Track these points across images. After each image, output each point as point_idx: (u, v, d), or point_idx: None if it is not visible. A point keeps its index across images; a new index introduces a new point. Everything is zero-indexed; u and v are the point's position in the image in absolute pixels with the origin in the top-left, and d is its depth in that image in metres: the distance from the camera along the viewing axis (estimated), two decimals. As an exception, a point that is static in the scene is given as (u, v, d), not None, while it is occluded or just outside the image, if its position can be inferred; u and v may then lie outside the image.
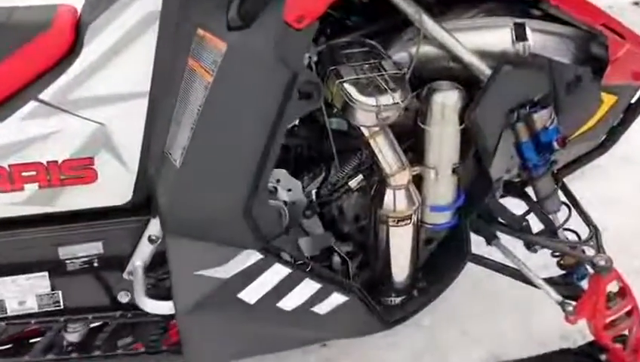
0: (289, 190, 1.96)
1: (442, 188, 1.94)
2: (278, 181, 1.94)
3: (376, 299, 1.98)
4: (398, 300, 2.05)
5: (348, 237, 2.09)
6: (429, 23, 1.83)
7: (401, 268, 2.02)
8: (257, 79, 1.61)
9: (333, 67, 1.74)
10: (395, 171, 1.85)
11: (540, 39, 1.90)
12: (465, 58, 1.90)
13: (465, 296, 2.49)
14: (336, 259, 1.97)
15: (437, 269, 2.13)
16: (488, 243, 2.21)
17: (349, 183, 1.99)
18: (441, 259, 2.13)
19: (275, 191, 1.94)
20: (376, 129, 1.80)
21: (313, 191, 2.03)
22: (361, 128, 1.81)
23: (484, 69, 1.89)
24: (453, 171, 1.91)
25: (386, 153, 1.84)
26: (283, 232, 1.75)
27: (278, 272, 1.71)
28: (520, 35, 1.93)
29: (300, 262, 1.78)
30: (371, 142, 1.82)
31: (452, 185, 1.94)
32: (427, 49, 1.92)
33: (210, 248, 1.66)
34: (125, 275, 1.88)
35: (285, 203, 1.96)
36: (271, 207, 1.75)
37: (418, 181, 1.94)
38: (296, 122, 1.92)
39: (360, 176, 1.98)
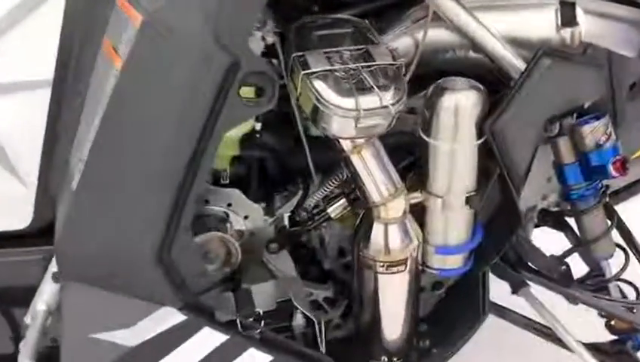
0: (245, 217, 1.47)
1: (452, 224, 1.43)
2: (229, 205, 1.45)
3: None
4: (390, 365, 1.55)
5: (329, 279, 1.60)
6: None
7: (393, 324, 1.51)
8: (182, 67, 1.13)
9: (299, 53, 1.24)
10: (385, 199, 1.34)
11: (596, 24, 1.46)
12: (490, 47, 1.39)
13: (481, 351, 1.96)
14: (300, 316, 1.46)
15: (445, 323, 1.63)
16: (514, 291, 1.69)
17: (328, 210, 1.49)
18: (450, 311, 1.63)
19: (226, 218, 1.45)
20: (360, 142, 1.30)
21: (286, 218, 1.54)
22: (340, 141, 1.30)
23: (515, 62, 1.37)
24: (468, 201, 1.39)
25: (374, 175, 1.33)
26: (217, 283, 1.25)
27: (208, 339, 1.23)
28: (568, 17, 1.43)
29: (246, 323, 1.28)
30: (353, 159, 1.32)
31: (465, 219, 1.43)
32: (438, 34, 1.41)
33: (114, 302, 1.19)
34: (27, 319, 1.42)
35: (241, 234, 1.47)
36: (198, 246, 1.25)
37: (420, 212, 1.43)
38: (258, 126, 1.43)
39: (342, 201, 1.48)
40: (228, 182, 1.47)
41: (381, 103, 1.20)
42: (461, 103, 1.32)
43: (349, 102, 1.19)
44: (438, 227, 1.43)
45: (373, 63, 1.25)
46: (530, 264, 1.61)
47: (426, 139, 1.35)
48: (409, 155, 1.48)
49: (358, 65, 1.24)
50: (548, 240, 1.79)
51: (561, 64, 1.33)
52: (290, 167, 1.53)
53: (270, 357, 1.27)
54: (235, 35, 1.12)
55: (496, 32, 1.41)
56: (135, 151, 1.14)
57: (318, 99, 1.20)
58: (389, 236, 1.38)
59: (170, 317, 1.20)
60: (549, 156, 1.52)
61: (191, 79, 1.13)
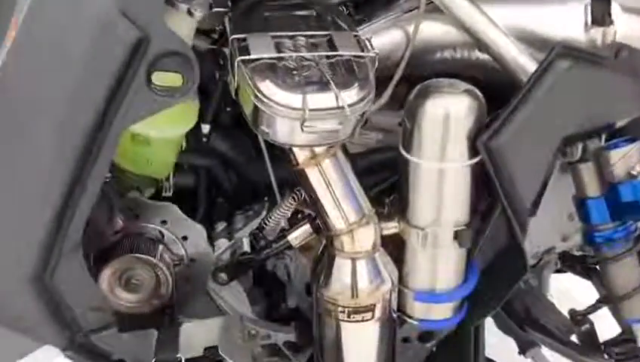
0: (184, 238, 1.20)
1: (437, 264, 1.14)
2: (163, 223, 1.19)
3: None
4: None
5: (294, 320, 1.32)
6: None
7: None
8: (79, 38, 0.88)
9: (239, 36, 0.97)
10: (349, 227, 1.06)
11: (634, 24, 1.15)
12: (499, 46, 1.12)
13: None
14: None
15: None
16: (521, 351, 1.37)
17: (289, 237, 1.21)
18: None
19: (161, 238, 1.19)
20: (317, 151, 1.02)
21: (246, 243, 1.28)
22: (293, 150, 1.03)
23: (530, 67, 1.08)
24: (457, 237, 1.09)
25: (336, 195, 1.06)
26: (116, 321, 0.98)
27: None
28: (600, 14, 1.14)
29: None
30: (309, 174, 1.04)
31: (454, 259, 1.14)
32: (434, 28, 1.14)
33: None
34: None
35: (180, 260, 1.21)
36: (85, 271, 0.98)
37: (397, 246, 1.14)
38: (206, 129, 1.18)
39: (306, 228, 1.20)
40: (170, 195, 1.22)
41: (337, 103, 0.93)
42: (450, 110, 1.03)
43: (293, 99, 0.92)
44: (419, 267, 1.14)
45: (335, 54, 0.98)
46: (540, 321, 1.29)
47: (407, 156, 1.07)
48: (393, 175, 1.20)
49: (314, 54, 0.97)
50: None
51: (585, 68, 1.04)
52: (252, 181, 1.26)
53: None
54: (143, 3, 0.86)
55: (506, 28, 1.12)
56: (14, 144, 0.89)
57: (255, 94, 0.93)
58: (353, 274, 1.10)
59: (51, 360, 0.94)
60: (570, 187, 1.21)
61: (89, 55, 0.87)
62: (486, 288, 1.19)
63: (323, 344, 1.19)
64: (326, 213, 1.07)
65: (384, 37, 1.16)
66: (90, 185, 0.90)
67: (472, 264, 1.16)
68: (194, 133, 1.17)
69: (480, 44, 1.13)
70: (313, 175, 1.04)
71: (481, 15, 1.12)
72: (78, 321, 0.95)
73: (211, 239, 1.25)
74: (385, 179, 1.21)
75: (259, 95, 0.93)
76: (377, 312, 1.12)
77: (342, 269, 1.10)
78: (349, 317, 1.11)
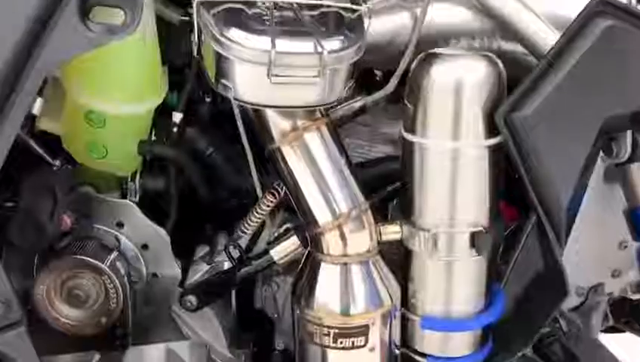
0: (144, 246, 1.00)
1: (451, 278, 0.90)
2: (119, 225, 0.99)
3: None
4: None
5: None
6: None
7: None
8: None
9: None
10: (336, 221, 0.85)
11: None
12: (527, 29, 0.92)
13: None
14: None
15: None
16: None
17: (272, 252, 0.99)
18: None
19: (116, 245, 0.99)
20: (299, 124, 0.83)
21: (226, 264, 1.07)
22: (269, 124, 0.84)
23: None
24: (474, 241, 0.86)
25: (318, 181, 0.85)
26: (17, 321, 0.76)
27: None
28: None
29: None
30: (285, 154, 0.85)
31: (472, 271, 0.90)
32: (447, 11, 0.96)
33: None
34: None
35: (138, 276, 1.01)
36: None
37: (400, 260, 0.92)
38: (177, 117, 1.00)
39: (293, 240, 0.98)
40: (136, 200, 1.03)
41: (313, 49, 0.74)
42: (463, 77, 0.83)
43: (260, 41, 0.74)
44: (428, 284, 0.90)
45: (319, 3, 0.80)
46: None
47: (411, 138, 0.86)
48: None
49: (294, 3, 0.80)
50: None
51: (631, 28, 0.83)
52: (231, 185, 1.07)
53: None
54: None
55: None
56: None
57: (215, 37, 0.75)
58: (342, 284, 0.87)
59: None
60: (620, 203, 0.99)
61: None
62: (515, 318, 0.94)
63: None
64: (308, 204, 0.86)
65: (386, 18, 0.98)
66: (5, 129, 0.72)
67: (496, 288, 0.92)
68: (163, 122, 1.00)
69: (505, 31, 0.94)
70: (292, 154, 0.85)
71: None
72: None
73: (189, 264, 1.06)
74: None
75: (220, 38, 0.75)
76: (372, 337, 0.88)
77: (328, 278, 0.88)
78: (335, 341, 0.87)
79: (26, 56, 0.72)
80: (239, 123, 0.85)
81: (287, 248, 0.99)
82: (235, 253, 1.02)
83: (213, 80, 0.80)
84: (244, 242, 1.03)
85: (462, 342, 0.93)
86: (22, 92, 0.72)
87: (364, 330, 0.87)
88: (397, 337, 0.93)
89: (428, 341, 0.93)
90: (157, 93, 0.95)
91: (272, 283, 1.08)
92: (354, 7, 0.82)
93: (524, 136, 0.83)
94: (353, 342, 0.88)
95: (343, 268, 0.87)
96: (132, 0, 0.74)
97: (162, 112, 1.00)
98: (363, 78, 1.02)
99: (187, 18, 0.97)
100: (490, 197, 0.87)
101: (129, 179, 1.02)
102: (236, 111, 0.84)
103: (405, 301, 0.92)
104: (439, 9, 0.96)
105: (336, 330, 0.87)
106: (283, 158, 0.86)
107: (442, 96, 0.84)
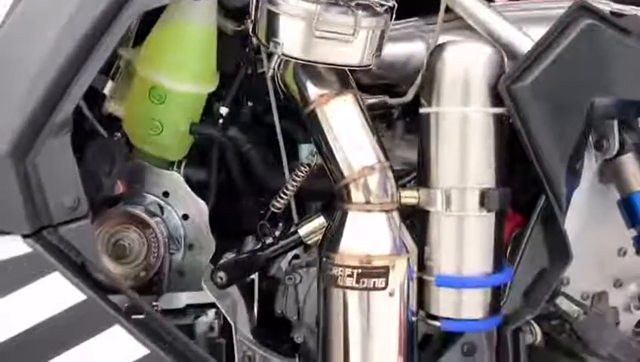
0: (184, 217, 1.10)
1: (463, 237, 0.99)
2: (165, 194, 1.10)
3: None
4: None
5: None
6: None
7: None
8: None
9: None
10: (360, 173, 0.97)
11: None
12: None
13: None
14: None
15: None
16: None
17: (300, 231, 1.10)
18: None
19: (159, 212, 1.09)
20: (327, 92, 0.98)
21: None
22: (305, 89, 1.00)
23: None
24: (483, 199, 0.97)
25: (345, 137, 0.98)
26: (84, 215, 0.85)
27: (59, 292, 0.80)
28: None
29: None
30: (319, 115, 0.99)
31: (482, 231, 0.99)
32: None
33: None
34: None
35: (177, 245, 1.10)
36: (72, 160, 0.88)
37: (418, 225, 1.02)
38: (223, 111, 1.15)
39: (320, 220, 1.09)
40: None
41: (350, 12, 0.92)
42: (470, 56, 1.00)
43: (306, 3, 0.92)
44: (443, 241, 1.00)
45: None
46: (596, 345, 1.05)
47: (427, 110, 1.01)
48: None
49: None
50: None
51: (607, 30, 1.01)
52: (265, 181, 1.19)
53: (144, 350, 0.80)
54: None
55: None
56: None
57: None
58: (365, 228, 0.97)
59: (9, 246, 0.81)
60: (616, 209, 1.11)
61: None
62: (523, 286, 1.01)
63: (327, 332, 1.00)
64: (336, 159, 0.99)
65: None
66: (91, 64, 0.86)
67: (503, 247, 1.01)
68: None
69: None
70: (324, 114, 0.99)
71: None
72: (50, 212, 0.84)
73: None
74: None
75: (272, -1, 0.93)
76: (391, 282, 0.96)
77: (353, 223, 0.97)
78: (358, 281, 0.95)
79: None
80: (272, 96, 1.01)
81: (314, 227, 1.10)
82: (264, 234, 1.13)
83: (264, 41, 0.97)
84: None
85: (474, 304, 1.00)
86: (110, 33, 0.88)
87: (384, 272, 0.95)
88: (414, 303, 1.01)
89: (442, 302, 1.00)
90: (212, 81, 1.11)
91: (296, 274, 1.17)
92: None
93: (524, 105, 0.97)
94: (374, 283, 0.95)
95: (366, 214, 0.97)
96: None
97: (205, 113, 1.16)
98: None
99: (240, 29, 1.16)
100: (497, 160, 0.99)
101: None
102: (270, 84, 0.99)
103: (421, 264, 1.01)
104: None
105: (359, 270, 0.95)
106: (317, 119, 1.00)
107: (453, 71, 0.99)
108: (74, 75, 0.86)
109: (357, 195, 0.98)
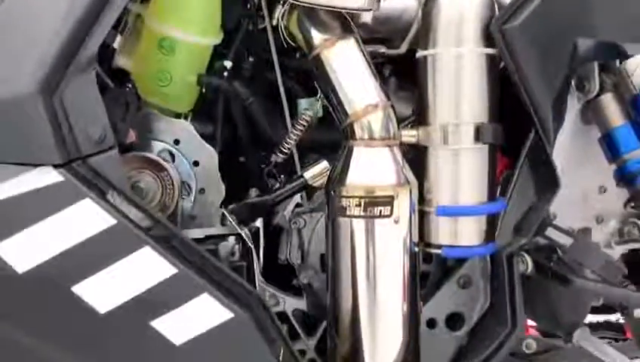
0: (195, 163, 1.16)
1: (460, 168, 1.07)
2: (176, 142, 1.15)
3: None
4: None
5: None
6: None
7: (383, 317, 1.06)
8: None
9: None
10: (362, 111, 1.04)
11: None
12: None
13: None
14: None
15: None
16: (567, 338, 1.19)
17: (305, 175, 1.17)
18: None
19: (171, 159, 1.15)
20: (331, 37, 1.05)
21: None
22: (310, 34, 1.06)
23: None
24: (478, 133, 1.05)
25: (348, 78, 1.05)
26: (112, 146, 0.90)
27: (89, 217, 0.85)
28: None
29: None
30: (323, 58, 1.06)
31: (477, 161, 1.07)
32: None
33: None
34: None
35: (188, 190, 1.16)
36: (97, 96, 0.93)
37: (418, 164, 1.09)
38: (228, 64, 1.21)
39: (324, 164, 1.16)
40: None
41: None
42: (463, 0, 1.07)
43: None
44: (441, 174, 1.07)
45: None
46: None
47: (424, 53, 1.08)
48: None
49: None
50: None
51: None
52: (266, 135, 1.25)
53: (172, 269, 0.86)
54: None
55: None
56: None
57: None
58: (371, 161, 1.04)
59: (42, 176, 0.86)
60: (597, 147, 1.19)
61: None
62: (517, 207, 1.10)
63: (336, 264, 1.06)
64: (340, 98, 1.05)
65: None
66: (112, 6, 0.91)
67: (495, 180, 1.09)
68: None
69: None
70: (328, 57, 1.05)
71: None
72: (78, 145, 0.89)
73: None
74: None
75: None
76: (396, 210, 1.03)
77: (359, 157, 1.04)
78: (365, 210, 1.02)
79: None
80: (273, 49, 1.08)
81: (319, 170, 1.17)
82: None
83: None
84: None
85: (471, 232, 1.08)
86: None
87: (389, 201, 1.02)
88: (415, 234, 1.08)
89: (442, 231, 1.08)
90: (218, 34, 1.17)
91: (300, 219, 1.23)
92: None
93: (514, 44, 1.05)
94: (380, 211, 1.02)
95: (371, 149, 1.04)
96: None
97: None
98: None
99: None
100: (490, 98, 1.07)
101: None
102: (271, 38, 1.06)
103: (422, 198, 1.08)
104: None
105: (366, 200, 1.02)
106: (321, 62, 1.06)
107: (448, 14, 1.06)
108: (98, 14, 0.91)
109: (361, 132, 1.05)
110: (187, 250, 0.89)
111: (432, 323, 1.17)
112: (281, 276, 1.25)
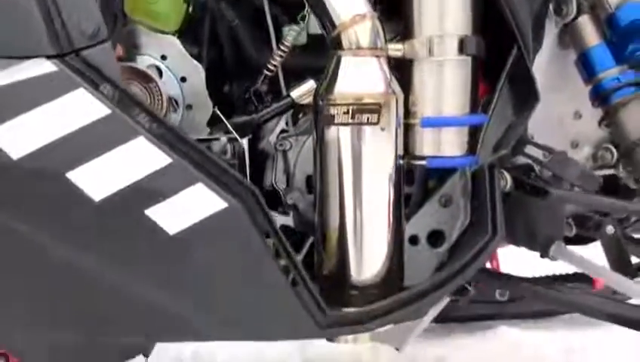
0: (182, 79, 1.17)
1: (444, 79, 1.10)
2: (163, 58, 1.16)
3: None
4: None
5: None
6: None
7: (369, 226, 1.08)
8: None
9: None
10: (352, 20, 1.05)
11: None
12: None
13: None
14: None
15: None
16: (543, 252, 1.22)
17: (292, 94, 1.18)
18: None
19: (158, 75, 1.15)
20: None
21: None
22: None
23: None
24: (462, 45, 1.08)
25: None
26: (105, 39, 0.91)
27: (82, 106, 0.86)
28: None
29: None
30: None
31: (461, 73, 1.10)
32: None
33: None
34: None
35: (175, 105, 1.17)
36: None
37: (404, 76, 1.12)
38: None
39: (310, 83, 1.18)
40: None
41: None
42: None
43: None
44: (426, 85, 1.10)
45: None
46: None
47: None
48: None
49: None
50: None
51: None
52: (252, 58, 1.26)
53: (167, 159, 0.87)
54: None
55: None
56: None
57: None
58: (358, 70, 1.06)
59: (35, 66, 0.86)
60: (573, 70, 1.23)
61: None
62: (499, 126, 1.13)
63: (324, 174, 1.08)
64: (328, 10, 1.07)
65: None
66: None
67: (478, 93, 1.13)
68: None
69: None
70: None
71: None
72: (71, 39, 0.89)
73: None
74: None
75: None
76: (383, 118, 1.05)
77: (347, 66, 1.06)
78: (353, 117, 1.04)
79: None
80: None
81: (306, 89, 1.18)
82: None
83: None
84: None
85: (454, 142, 1.11)
86: None
87: (377, 109, 1.05)
88: (401, 147, 1.11)
89: (426, 142, 1.11)
90: None
91: (286, 141, 1.24)
92: None
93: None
94: (368, 118, 1.04)
95: (359, 59, 1.06)
96: None
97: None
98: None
99: None
100: (473, 11, 1.10)
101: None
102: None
103: (407, 111, 1.11)
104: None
105: (354, 107, 1.04)
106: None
107: None
108: None
109: (349, 42, 1.06)
110: (180, 141, 0.90)
111: (414, 240, 1.20)
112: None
